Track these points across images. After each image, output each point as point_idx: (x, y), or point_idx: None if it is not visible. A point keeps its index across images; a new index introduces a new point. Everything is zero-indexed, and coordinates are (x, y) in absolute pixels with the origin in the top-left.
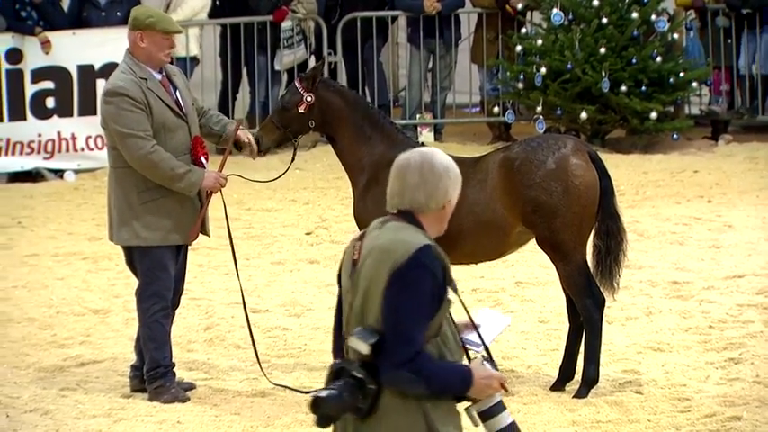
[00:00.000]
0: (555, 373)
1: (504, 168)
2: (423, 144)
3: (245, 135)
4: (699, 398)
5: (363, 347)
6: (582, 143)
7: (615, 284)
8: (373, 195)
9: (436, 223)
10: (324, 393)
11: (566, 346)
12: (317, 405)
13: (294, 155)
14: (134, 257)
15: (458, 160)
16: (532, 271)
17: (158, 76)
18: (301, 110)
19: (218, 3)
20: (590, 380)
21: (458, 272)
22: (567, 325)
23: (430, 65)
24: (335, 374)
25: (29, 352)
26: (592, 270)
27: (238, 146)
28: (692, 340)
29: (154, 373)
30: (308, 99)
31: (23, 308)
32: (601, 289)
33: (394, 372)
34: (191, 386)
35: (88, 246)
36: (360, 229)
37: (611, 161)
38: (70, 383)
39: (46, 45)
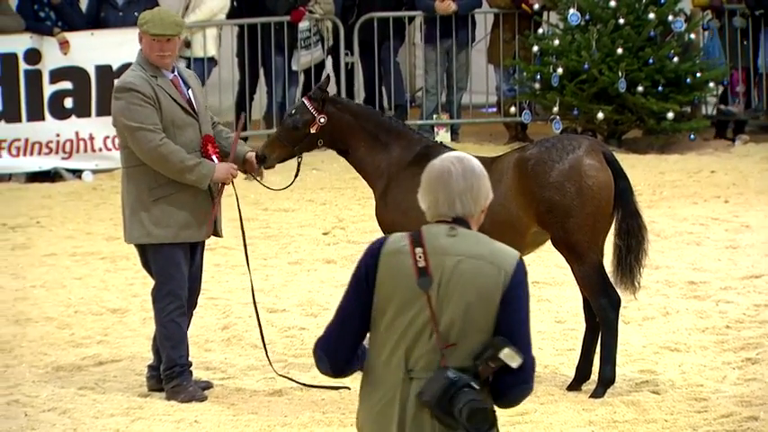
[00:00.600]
0: (571, 373)
1: (518, 169)
2: (441, 143)
3: (249, 154)
4: (715, 398)
5: (517, 360)
6: (597, 143)
7: (636, 284)
8: (393, 197)
9: (477, 226)
10: (478, 404)
11: (582, 346)
12: (480, 416)
13: (298, 170)
14: (147, 257)
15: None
16: (549, 271)
17: (170, 75)
18: (313, 130)
19: (235, 4)
20: (606, 380)
21: None
22: (584, 325)
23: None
24: (450, 386)
25: (47, 351)
26: (612, 269)
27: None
28: (709, 340)
29: (170, 373)
30: (322, 121)
31: (42, 307)
32: (621, 288)
33: (524, 384)
34: (208, 385)
35: (106, 245)
36: (384, 231)
37: (628, 161)
38: (88, 382)
39: (64, 45)
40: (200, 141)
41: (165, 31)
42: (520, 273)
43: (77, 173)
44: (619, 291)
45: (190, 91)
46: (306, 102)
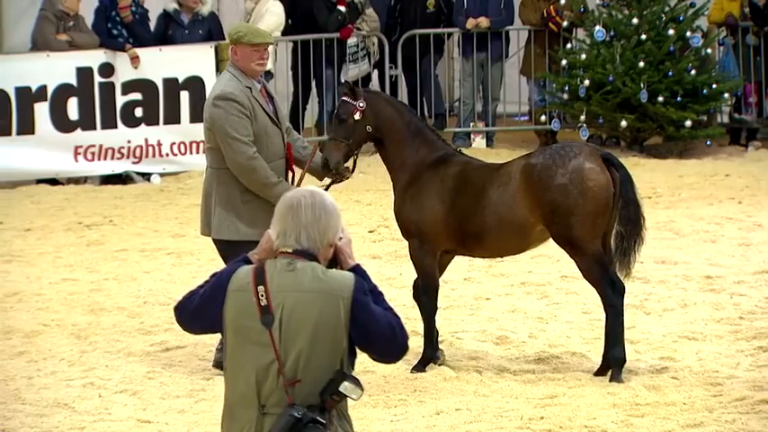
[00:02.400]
0: (597, 360)
1: (525, 174)
2: (460, 151)
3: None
4: (730, 383)
5: (357, 393)
6: (596, 149)
7: (630, 267)
8: (412, 195)
9: (324, 260)
10: None
11: (610, 335)
12: None
13: (355, 164)
14: (229, 253)
15: (485, 165)
16: (575, 266)
17: (258, 86)
18: (357, 116)
19: (290, 22)
20: (619, 362)
21: (508, 267)
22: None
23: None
24: (296, 422)
25: (119, 338)
26: (613, 252)
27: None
28: (724, 330)
29: None
30: (361, 105)
31: (114, 298)
32: (617, 269)
33: (401, 351)
34: None
35: (172, 242)
36: (400, 225)
37: (649, 165)
38: (156, 367)
39: (135, 60)
40: (284, 149)
41: (265, 39)
42: (358, 291)
43: (146, 176)
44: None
45: (273, 101)
46: (343, 96)
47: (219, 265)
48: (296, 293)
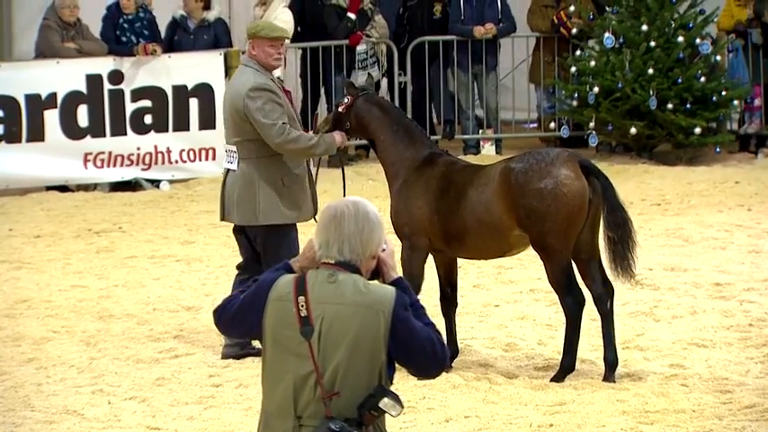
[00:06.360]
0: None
1: (503, 176)
2: (446, 151)
3: None
4: (740, 390)
5: (397, 409)
6: (574, 155)
7: (632, 270)
8: (403, 198)
9: (367, 271)
10: None
11: (603, 338)
12: None
13: (343, 171)
14: (273, 237)
15: (468, 166)
16: None
17: (275, 79)
18: (341, 109)
19: (299, 29)
20: (567, 368)
21: (517, 274)
22: (617, 322)
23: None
24: None
25: (128, 345)
26: (608, 260)
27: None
28: (734, 337)
29: None
30: (346, 100)
31: (123, 305)
32: (621, 277)
33: (441, 368)
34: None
35: (181, 249)
36: (395, 229)
37: (658, 173)
38: (165, 373)
39: (154, 53)
40: None
41: (283, 33)
42: (399, 306)
43: (155, 183)
44: (619, 280)
45: (289, 95)
46: (346, 88)
47: (229, 271)
48: (336, 306)
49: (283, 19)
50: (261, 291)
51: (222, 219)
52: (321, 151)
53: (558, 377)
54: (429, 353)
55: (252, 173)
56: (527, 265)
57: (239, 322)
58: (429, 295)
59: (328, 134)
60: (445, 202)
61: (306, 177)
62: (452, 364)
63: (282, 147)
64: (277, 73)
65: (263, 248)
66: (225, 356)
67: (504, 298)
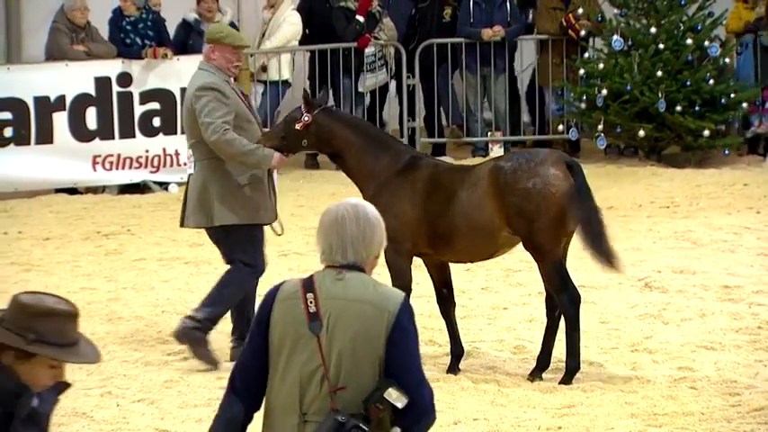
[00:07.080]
0: (615, 369)
1: (492, 176)
2: (426, 154)
3: None
4: (749, 393)
5: (402, 401)
6: (562, 155)
7: (611, 252)
8: (385, 202)
9: (371, 270)
10: None
11: (543, 339)
12: None
13: (275, 188)
14: (228, 238)
15: (454, 168)
16: (594, 275)
17: (232, 82)
18: (298, 127)
19: (307, 31)
20: (572, 369)
21: (525, 276)
22: (627, 325)
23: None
24: (339, 428)
25: (137, 347)
26: (585, 248)
27: None
28: (743, 340)
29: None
30: (306, 119)
31: (132, 307)
32: (606, 262)
33: (426, 417)
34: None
35: (190, 251)
36: None
37: (667, 175)
38: (174, 376)
39: (162, 56)
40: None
41: (243, 42)
42: (404, 313)
43: (164, 185)
44: (605, 267)
45: (247, 98)
46: (301, 104)
47: None
48: (343, 301)
49: (291, 21)
50: (265, 301)
51: (181, 225)
52: (252, 162)
53: (566, 379)
54: (416, 380)
55: (206, 174)
56: (536, 268)
57: (253, 354)
58: (428, 300)
59: (269, 149)
60: (434, 204)
61: (265, 179)
62: (460, 367)
63: (216, 145)
64: (285, 75)
65: (222, 251)
66: (233, 358)
67: (512, 300)
